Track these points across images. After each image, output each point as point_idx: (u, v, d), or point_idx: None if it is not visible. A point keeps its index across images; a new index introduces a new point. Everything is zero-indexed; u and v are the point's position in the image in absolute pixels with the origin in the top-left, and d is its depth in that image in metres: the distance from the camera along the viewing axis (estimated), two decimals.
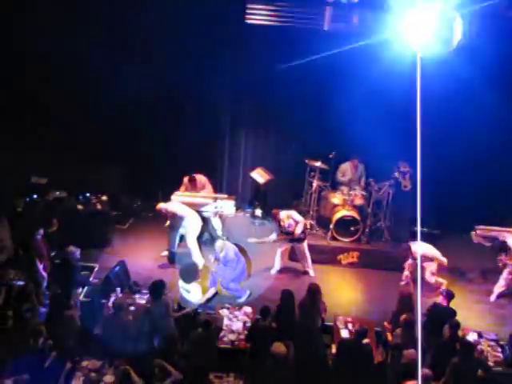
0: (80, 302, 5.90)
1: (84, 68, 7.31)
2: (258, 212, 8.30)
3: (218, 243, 6.53)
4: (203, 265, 6.97)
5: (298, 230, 6.87)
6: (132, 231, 8.25)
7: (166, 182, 7.94)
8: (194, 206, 7.35)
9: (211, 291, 6.43)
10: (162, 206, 7.09)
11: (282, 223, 6.90)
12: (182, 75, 7.46)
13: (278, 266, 7.27)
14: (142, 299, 6.06)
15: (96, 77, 7.17)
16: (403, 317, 5.23)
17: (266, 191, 8.48)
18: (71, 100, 7.64)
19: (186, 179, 7.69)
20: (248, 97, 8.08)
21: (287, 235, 6.94)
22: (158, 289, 5.31)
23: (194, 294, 6.12)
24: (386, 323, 5.82)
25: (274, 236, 6.91)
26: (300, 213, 7.78)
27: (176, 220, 7.06)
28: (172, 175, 7.99)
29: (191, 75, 7.46)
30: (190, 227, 7.08)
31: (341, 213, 7.72)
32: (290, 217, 6.92)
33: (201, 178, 7.77)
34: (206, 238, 7.63)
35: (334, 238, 7.73)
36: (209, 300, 6.25)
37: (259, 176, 8.34)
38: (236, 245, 6.85)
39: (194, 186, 7.61)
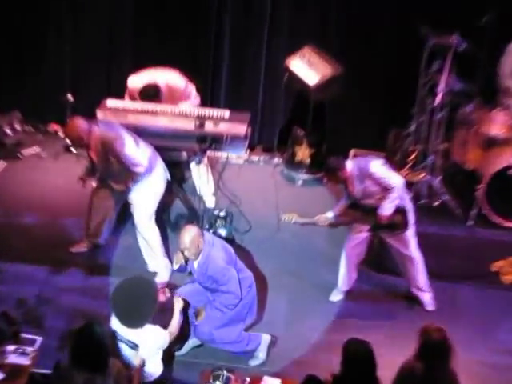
0: None
1: None
2: (303, 154, 8.26)
3: (187, 231, 6.25)
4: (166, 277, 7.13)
5: (388, 207, 6.66)
6: (3, 195, 8.28)
7: (87, 79, 8.45)
8: (152, 136, 7.32)
9: (190, 343, 6.51)
10: (80, 125, 6.98)
11: (350, 188, 6.77)
12: None
13: (344, 282, 7.13)
14: (21, 356, 5.89)
15: None
16: None
17: (324, 105, 8.43)
18: None
19: (132, 85, 7.77)
20: None
21: (365, 215, 6.76)
22: (91, 342, 5.05)
23: (147, 350, 5.75)
24: None
25: (330, 214, 6.87)
26: (402, 159, 7.92)
27: (110, 169, 7.06)
28: (102, 65, 8.56)
29: None
30: (145, 191, 7.09)
31: (504, 160, 7.66)
32: (368, 174, 6.77)
33: (171, 83, 7.83)
34: (178, 215, 7.71)
35: (483, 220, 7.75)
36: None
37: (307, 69, 8.23)
38: (230, 241, 6.99)
39: (155, 101, 7.69)
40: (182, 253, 6.24)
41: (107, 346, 5.10)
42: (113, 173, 7.04)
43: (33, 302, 6.68)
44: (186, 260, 6.27)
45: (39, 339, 5.94)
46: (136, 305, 5.60)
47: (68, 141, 7.48)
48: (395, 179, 6.66)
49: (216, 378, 5.78)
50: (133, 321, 5.57)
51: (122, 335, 5.61)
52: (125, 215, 7.35)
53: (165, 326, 5.87)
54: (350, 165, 6.75)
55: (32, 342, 5.96)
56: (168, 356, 5.84)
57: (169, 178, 7.16)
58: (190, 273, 6.46)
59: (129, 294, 5.66)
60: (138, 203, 7.05)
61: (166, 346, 5.76)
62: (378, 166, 6.70)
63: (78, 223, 7.55)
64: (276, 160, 8.75)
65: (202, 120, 7.33)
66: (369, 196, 6.72)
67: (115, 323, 5.62)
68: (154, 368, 5.70)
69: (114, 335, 5.56)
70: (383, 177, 6.64)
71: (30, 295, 6.74)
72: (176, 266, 6.39)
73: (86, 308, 6.36)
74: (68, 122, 7.12)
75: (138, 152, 7.01)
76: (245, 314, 6.41)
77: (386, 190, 6.64)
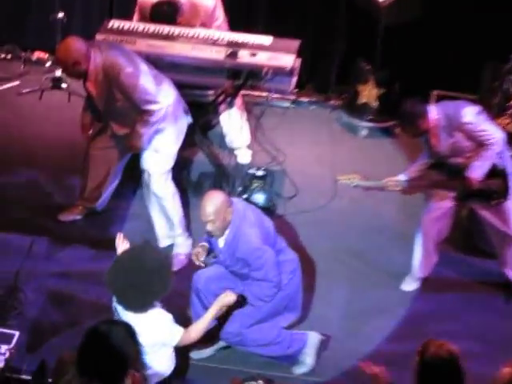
0: None
1: None
2: (369, 95, 8.41)
3: (210, 198, 6.11)
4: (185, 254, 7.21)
5: (481, 168, 6.61)
6: None
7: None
8: (169, 69, 7.30)
9: (216, 345, 6.39)
10: (76, 46, 6.82)
11: (433, 142, 6.74)
12: None
13: (421, 267, 7.07)
14: None
15: None
16: None
17: (397, 31, 8.44)
18: None
19: (144, 0, 7.87)
20: None
21: (451, 178, 6.79)
22: (107, 349, 4.90)
23: (152, 341, 5.56)
24: None
25: (404, 177, 6.84)
26: (501, 104, 7.84)
27: (114, 108, 6.99)
28: None
29: None
30: (161, 138, 7.07)
31: None
32: (459, 124, 6.68)
33: (196, 1, 7.90)
34: (202, 174, 7.85)
35: None
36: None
37: None
38: (269, 211, 7.18)
39: (172, 23, 7.77)
40: (207, 231, 5.99)
41: (127, 356, 4.85)
42: (118, 112, 6.88)
43: (10, 281, 6.56)
44: (210, 251, 6.17)
45: (16, 334, 5.72)
46: (138, 279, 5.35)
47: (59, 69, 7.51)
48: (495, 132, 6.51)
49: None
50: (132, 300, 5.37)
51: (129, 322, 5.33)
52: (136, 172, 7.19)
53: (179, 316, 5.67)
54: (434, 111, 6.54)
55: (7, 338, 5.77)
56: (180, 354, 5.67)
57: (191, 122, 7.03)
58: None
59: (131, 265, 5.41)
60: (150, 155, 6.88)
61: (173, 345, 5.58)
62: (473, 115, 6.50)
63: (69, 182, 7.58)
64: (332, 102, 8.63)
65: (235, 48, 7.21)
66: (458, 153, 6.59)
67: (119, 308, 5.44)
68: (159, 366, 5.51)
69: (137, 341, 5.24)
70: (480, 129, 6.47)
71: (7, 272, 6.62)
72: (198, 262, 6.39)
73: (77, 293, 6.34)
74: (60, 43, 6.98)
75: (156, 90, 6.83)
76: (284, 307, 6.29)
77: (481, 145, 6.48)
